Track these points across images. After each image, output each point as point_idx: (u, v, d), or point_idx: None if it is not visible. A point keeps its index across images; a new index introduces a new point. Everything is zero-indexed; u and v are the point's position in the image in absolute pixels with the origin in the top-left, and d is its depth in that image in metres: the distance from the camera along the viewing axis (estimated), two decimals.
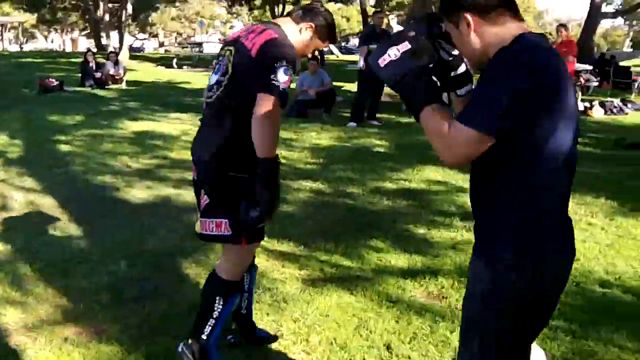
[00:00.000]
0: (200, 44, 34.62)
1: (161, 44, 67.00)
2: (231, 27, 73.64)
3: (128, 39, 35.72)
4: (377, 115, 11.30)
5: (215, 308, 2.88)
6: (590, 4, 29.34)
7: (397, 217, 5.63)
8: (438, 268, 4.41)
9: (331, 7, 54.65)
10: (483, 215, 1.98)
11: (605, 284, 4.20)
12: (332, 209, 5.86)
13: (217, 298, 2.88)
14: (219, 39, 51.41)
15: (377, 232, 5.17)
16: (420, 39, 1.89)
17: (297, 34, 2.84)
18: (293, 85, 12.55)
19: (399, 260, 4.57)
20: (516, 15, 1.85)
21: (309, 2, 3.25)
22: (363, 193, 6.38)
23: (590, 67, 17.92)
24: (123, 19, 33.94)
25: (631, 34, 70.64)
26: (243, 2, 40.52)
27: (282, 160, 2.96)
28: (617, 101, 13.97)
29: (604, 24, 70.10)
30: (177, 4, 54.63)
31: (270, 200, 2.65)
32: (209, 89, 2.81)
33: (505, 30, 1.82)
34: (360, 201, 6.08)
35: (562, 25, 10.76)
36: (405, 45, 1.87)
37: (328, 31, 2.92)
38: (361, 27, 20.96)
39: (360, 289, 4.00)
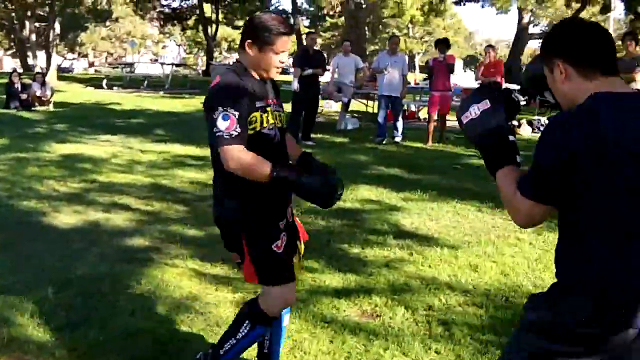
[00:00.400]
0: (131, 64, 34.09)
1: (91, 64, 65.81)
2: (164, 47, 73.04)
3: (56, 59, 34.84)
4: (312, 135, 11.34)
5: (242, 330, 2.94)
6: (518, 25, 30.42)
7: (331, 236, 5.64)
8: (372, 287, 4.43)
9: None
10: None
11: None
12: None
13: (246, 322, 2.93)
14: (151, 59, 50.93)
15: (311, 253, 5.15)
16: (499, 97, 2.02)
17: (249, 56, 2.72)
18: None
19: (333, 279, 4.57)
20: (609, 73, 1.84)
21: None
22: (297, 213, 6.36)
23: (518, 87, 18.46)
24: (50, 38, 33.11)
25: None
26: (175, 22, 40.08)
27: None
28: (544, 119, 14.45)
29: (532, 45, 72.54)
30: (108, 23, 53.83)
31: (311, 194, 2.69)
32: None
33: (590, 87, 1.81)
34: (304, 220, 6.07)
35: (490, 46, 11.08)
36: (485, 104, 2.00)
37: (266, 34, 2.65)
38: (295, 47, 21.10)
39: (294, 310, 3.97)
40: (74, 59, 65.47)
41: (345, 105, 13.00)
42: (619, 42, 10.02)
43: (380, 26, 56.57)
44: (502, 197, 1.95)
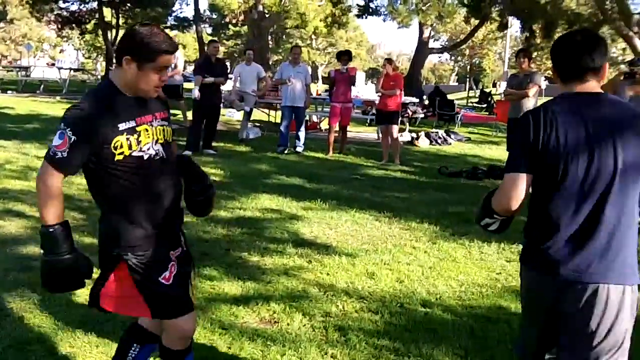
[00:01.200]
0: (27, 68, 32.71)
1: None
2: (61, 51, 70.46)
3: None
4: (214, 144, 11.26)
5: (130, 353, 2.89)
6: (419, 39, 31.29)
7: (231, 245, 5.64)
8: (270, 294, 4.47)
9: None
10: None
11: (427, 304, 4.45)
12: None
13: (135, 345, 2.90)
14: (48, 63, 48.99)
15: (211, 261, 5.15)
16: None
17: (126, 73, 2.50)
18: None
19: (232, 287, 4.58)
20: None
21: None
22: (197, 222, 6.31)
23: (417, 100, 19.05)
24: None
25: (456, 69, 75.83)
26: (74, 25, 38.69)
27: None
28: (441, 132, 14.95)
29: (433, 59, 74.94)
30: (2, 25, 51.43)
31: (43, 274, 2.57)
32: None
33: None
34: (194, 230, 6.00)
35: (388, 60, 11.33)
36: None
37: (148, 51, 2.47)
38: (197, 54, 20.87)
39: None
40: None
41: (247, 115, 12.98)
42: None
43: (284, 36, 56.83)
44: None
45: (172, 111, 3.48)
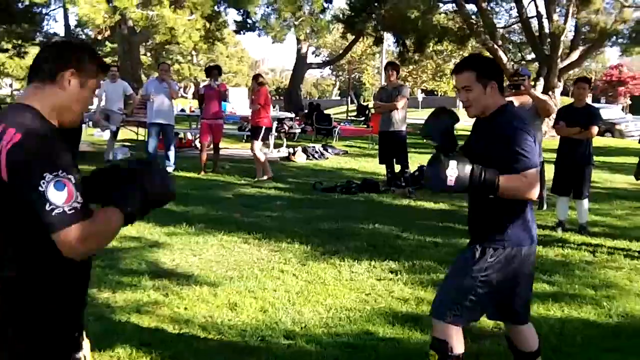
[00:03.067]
0: None
1: None
2: None
3: None
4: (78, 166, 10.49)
5: None
6: (297, 55, 31.32)
7: None
8: (116, 337, 3.99)
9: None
10: None
11: (290, 334, 4.14)
12: None
13: None
14: None
15: None
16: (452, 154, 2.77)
17: (61, 93, 1.98)
18: None
19: None
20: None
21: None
22: None
23: (293, 115, 18.91)
24: None
25: (338, 83, 76.91)
26: None
27: None
28: (318, 146, 14.82)
29: (315, 74, 75.74)
30: None
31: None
32: None
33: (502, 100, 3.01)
34: None
35: (254, 76, 11.04)
36: (453, 165, 2.66)
37: (91, 65, 2.04)
38: None
39: None
40: None
41: (114, 134, 12.27)
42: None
43: (164, 52, 55.60)
44: (519, 190, 2.78)
45: None
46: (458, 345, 2.90)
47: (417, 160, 11.76)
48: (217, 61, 60.69)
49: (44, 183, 1.75)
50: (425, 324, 4.23)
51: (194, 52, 55.48)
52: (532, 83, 11.02)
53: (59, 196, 1.76)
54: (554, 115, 7.79)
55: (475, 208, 3.06)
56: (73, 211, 1.78)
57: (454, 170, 2.63)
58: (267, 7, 24.32)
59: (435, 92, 59.50)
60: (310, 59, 38.76)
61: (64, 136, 1.94)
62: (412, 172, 9.92)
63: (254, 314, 4.50)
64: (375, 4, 23.64)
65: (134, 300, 4.68)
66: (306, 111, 21.17)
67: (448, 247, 6.40)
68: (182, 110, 16.57)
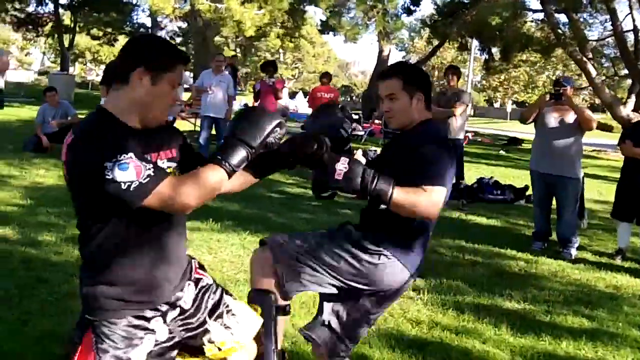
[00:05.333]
0: None
1: None
2: (27, 54, 69.10)
3: None
4: None
5: None
6: (378, 57, 30.85)
7: (73, 270, 4.92)
8: None
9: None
10: None
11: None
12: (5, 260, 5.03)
13: None
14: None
15: (45, 290, 4.45)
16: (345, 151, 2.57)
17: (134, 92, 2.02)
18: (33, 115, 11.46)
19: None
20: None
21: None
22: (57, 241, 5.61)
23: (357, 117, 18.68)
24: None
25: None
26: (30, 27, 37.58)
27: None
28: (379, 149, 14.42)
29: None
30: None
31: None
32: None
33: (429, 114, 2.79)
34: (49, 250, 5.30)
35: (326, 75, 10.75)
36: (343, 161, 2.34)
37: (163, 59, 2.04)
38: None
39: None
40: None
41: (170, 123, 12.24)
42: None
43: (253, 49, 56.38)
44: (416, 203, 2.39)
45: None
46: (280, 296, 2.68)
47: (475, 171, 11.19)
48: (304, 60, 61.07)
49: (108, 172, 1.84)
50: (432, 351, 3.86)
51: (281, 50, 56.01)
52: (576, 94, 10.14)
53: (127, 175, 1.85)
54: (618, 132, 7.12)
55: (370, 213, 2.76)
56: (148, 178, 1.87)
57: (344, 165, 2.33)
58: (340, 7, 23.83)
59: (527, 104, 57.78)
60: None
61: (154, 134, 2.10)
62: (468, 184, 9.38)
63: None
64: (463, 10, 22.92)
65: None
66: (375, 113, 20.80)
67: (485, 268, 5.91)
68: (246, 104, 16.47)
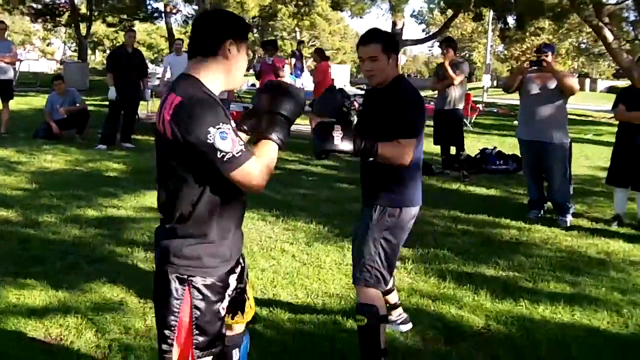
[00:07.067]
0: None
1: None
2: (49, 44, 69.68)
3: None
4: (132, 137, 10.72)
5: None
6: (392, 30, 30.64)
7: (75, 248, 5.12)
8: (77, 305, 3.95)
9: (146, 26, 53.05)
10: None
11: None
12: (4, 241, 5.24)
13: None
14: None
15: (42, 266, 4.64)
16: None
17: (223, 63, 2.16)
18: (43, 103, 11.67)
19: (45, 296, 4.11)
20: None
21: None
22: (57, 221, 5.80)
23: (362, 92, 18.52)
24: None
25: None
26: (48, 17, 37.85)
27: None
28: None
29: (426, 52, 74.03)
30: None
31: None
32: None
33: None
34: (48, 230, 5.50)
35: (319, 51, 10.81)
36: (338, 130, 2.88)
37: (245, 30, 2.23)
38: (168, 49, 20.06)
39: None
40: None
41: None
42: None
43: (269, 29, 56.29)
44: (393, 156, 3.01)
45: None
46: (382, 307, 3.22)
47: (486, 142, 11.16)
48: (320, 38, 60.74)
49: (210, 136, 1.98)
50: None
51: (297, 29, 55.79)
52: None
53: (225, 144, 2.00)
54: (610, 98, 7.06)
55: (367, 172, 3.33)
56: (240, 153, 2.03)
57: (339, 133, 2.87)
58: None
59: None
60: (415, 36, 37.74)
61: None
62: (468, 154, 9.41)
63: None
64: None
65: (125, 272, 4.66)
66: None
67: (476, 237, 5.98)
68: (253, 85, 16.57)
